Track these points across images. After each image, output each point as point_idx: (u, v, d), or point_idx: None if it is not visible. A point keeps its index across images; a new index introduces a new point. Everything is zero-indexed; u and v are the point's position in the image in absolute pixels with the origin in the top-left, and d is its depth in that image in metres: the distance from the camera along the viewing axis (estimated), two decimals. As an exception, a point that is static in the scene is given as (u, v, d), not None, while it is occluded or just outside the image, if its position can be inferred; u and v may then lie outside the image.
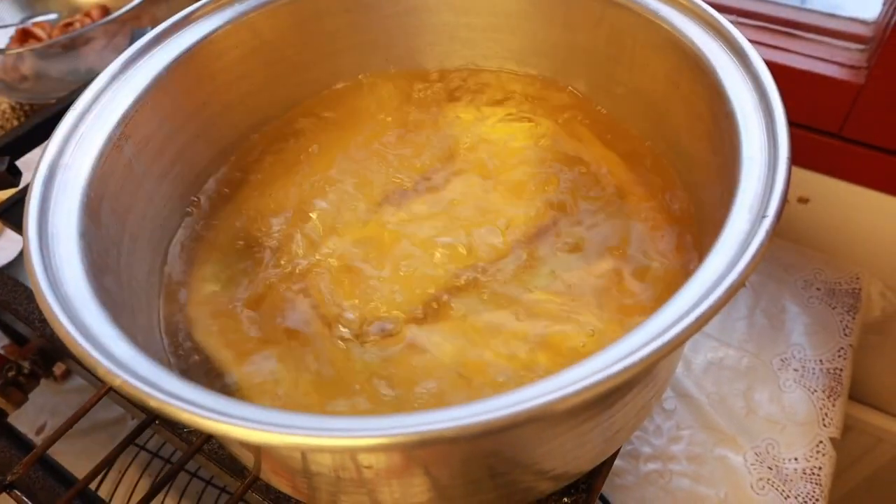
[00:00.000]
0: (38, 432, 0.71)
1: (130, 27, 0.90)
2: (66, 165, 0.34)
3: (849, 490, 0.89)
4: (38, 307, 0.32)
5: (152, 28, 0.42)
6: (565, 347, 0.35)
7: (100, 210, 0.34)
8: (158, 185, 0.41)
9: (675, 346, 0.22)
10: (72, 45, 0.86)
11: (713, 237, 0.28)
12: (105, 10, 0.98)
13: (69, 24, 0.96)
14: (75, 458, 0.60)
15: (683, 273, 0.36)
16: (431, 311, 0.37)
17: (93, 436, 0.70)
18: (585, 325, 0.35)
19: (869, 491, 0.89)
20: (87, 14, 0.99)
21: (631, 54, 0.41)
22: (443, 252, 0.40)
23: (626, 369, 0.22)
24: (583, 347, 0.33)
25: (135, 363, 0.25)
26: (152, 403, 0.22)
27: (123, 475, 0.66)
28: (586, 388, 0.21)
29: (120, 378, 0.23)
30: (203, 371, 0.35)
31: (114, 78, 0.38)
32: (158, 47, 0.41)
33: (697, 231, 0.37)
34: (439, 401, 0.33)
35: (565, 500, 0.39)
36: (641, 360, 0.22)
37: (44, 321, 0.50)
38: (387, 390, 0.33)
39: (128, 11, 0.86)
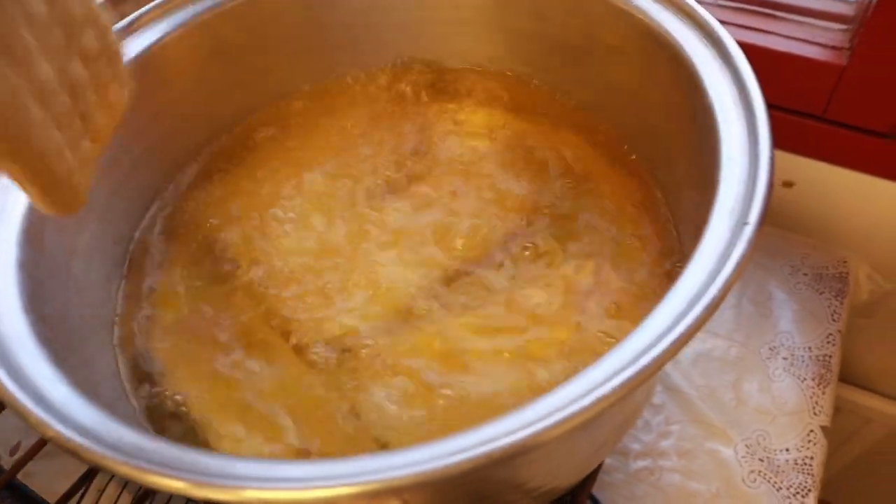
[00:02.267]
0: (12, 453, 0.68)
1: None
2: (5, 187, 0.32)
3: (839, 470, 0.89)
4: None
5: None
6: (540, 356, 0.33)
7: (43, 235, 0.32)
8: (112, 202, 0.39)
9: (652, 371, 0.21)
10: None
11: (694, 240, 0.26)
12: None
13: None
14: (50, 479, 0.58)
15: (664, 275, 0.34)
16: (406, 320, 0.36)
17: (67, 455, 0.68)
18: (561, 331, 0.34)
19: (860, 471, 0.89)
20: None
21: (605, 46, 0.39)
22: (415, 258, 0.38)
23: (598, 400, 0.20)
24: (556, 363, 0.32)
25: (73, 408, 0.23)
26: (86, 456, 0.21)
27: (103, 493, 0.65)
28: (558, 423, 0.20)
29: (53, 429, 0.21)
30: (164, 403, 0.33)
31: (56, 90, 0.36)
32: (104, 55, 0.38)
33: (677, 232, 0.35)
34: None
35: (550, 513, 0.37)
36: (615, 390, 0.20)
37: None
38: (351, 419, 0.31)
39: (89, 11, 0.83)
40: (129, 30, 0.39)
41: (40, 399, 0.23)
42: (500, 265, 0.37)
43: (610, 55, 0.39)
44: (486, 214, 0.40)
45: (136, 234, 0.41)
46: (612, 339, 0.33)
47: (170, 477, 0.20)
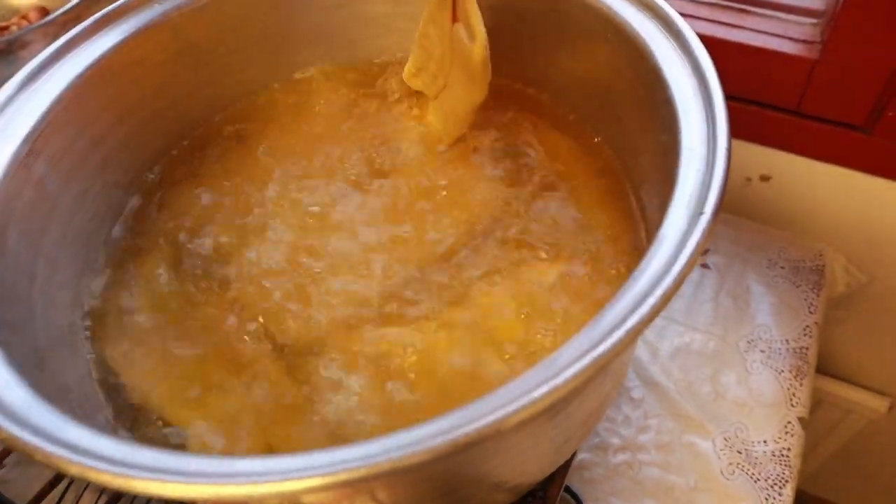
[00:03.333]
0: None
1: (72, 27, 0.86)
2: (-37, 188, 0.32)
3: (822, 462, 0.90)
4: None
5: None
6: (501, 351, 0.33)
7: (5, 237, 0.32)
8: (79, 203, 0.38)
9: (606, 360, 0.21)
10: (8, 50, 0.81)
11: (654, 234, 0.26)
12: (44, 12, 0.93)
13: (5, 28, 0.92)
14: (27, 485, 0.58)
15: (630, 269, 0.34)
16: (383, 315, 0.36)
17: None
18: (540, 324, 0.34)
19: (841, 462, 0.89)
20: (24, 17, 0.94)
21: (574, 41, 0.39)
22: (384, 257, 0.38)
23: (550, 392, 0.20)
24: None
25: (29, 411, 0.23)
26: (38, 457, 0.20)
27: (81, 497, 0.64)
28: (507, 416, 0.20)
29: (6, 432, 0.21)
30: (136, 409, 0.33)
31: (18, 90, 0.36)
32: (68, 55, 0.38)
33: (644, 222, 0.35)
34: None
35: (523, 508, 0.37)
36: (566, 381, 0.20)
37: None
38: (318, 420, 0.31)
39: (66, 12, 0.82)
40: (94, 28, 0.39)
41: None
42: (464, 263, 0.37)
43: (577, 48, 0.39)
44: (455, 210, 0.40)
45: (104, 236, 0.41)
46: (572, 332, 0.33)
47: (126, 476, 0.20)
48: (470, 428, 0.20)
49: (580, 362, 0.21)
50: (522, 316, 0.34)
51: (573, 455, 0.36)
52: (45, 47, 0.91)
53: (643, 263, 0.25)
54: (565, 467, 0.36)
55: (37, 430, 0.22)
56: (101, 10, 0.91)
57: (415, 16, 0.46)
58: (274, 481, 0.20)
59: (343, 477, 0.20)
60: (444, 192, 0.41)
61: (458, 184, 0.42)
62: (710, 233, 0.24)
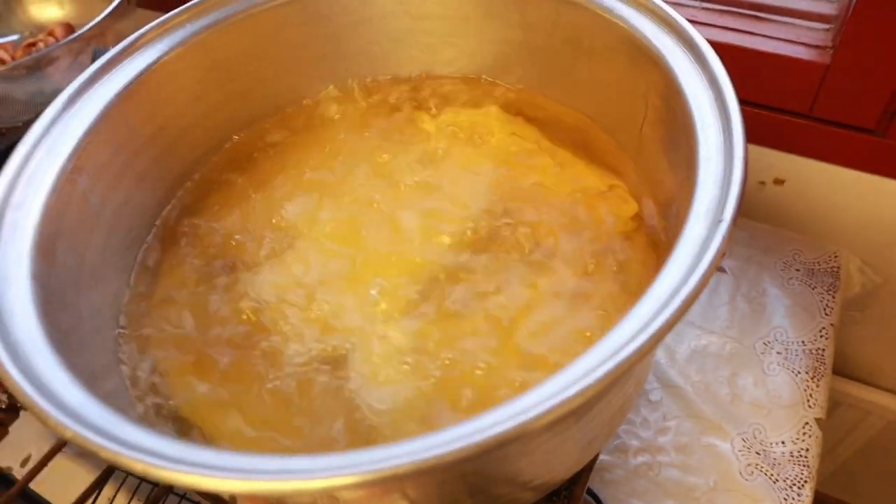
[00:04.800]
0: (24, 464, 0.70)
1: (95, 45, 0.88)
2: (17, 205, 0.33)
3: (840, 464, 0.90)
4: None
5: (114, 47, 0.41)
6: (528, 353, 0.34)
7: (55, 248, 0.33)
8: (118, 216, 0.40)
9: (631, 363, 0.22)
10: (36, 66, 0.84)
11: (674, 242, 0.27)
12: (69, 28, 0.96)
13: (32, 45, 0.94)
14: (63, 486, 0.60)
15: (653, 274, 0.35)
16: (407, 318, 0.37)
17: (80, 461, 0.69)
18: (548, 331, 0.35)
19: (860, 464, 0.89)
20: (51, 33, 0.97)
21: (588, 54, 0.41)
22: (407, 261, 0.39)
23: (582, 391, 0.22)
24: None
25: (88, 411, 0.24)
26: (104, 455, 0.22)
27: (113, 501, 0.66)
28: (539, 416, 0.21)
29: (71, 430, 0.23)
30: (170, 411, 0.35)
31: (62, 110, 0.37)
32: (107, 75, 0.40)
33: (664, 232, 0.36)
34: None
35: (547, 507, 0.38)
36: (598, 381, 0.22)
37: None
38: (350, 423, 0.32)
39: (91, 28, 0.85)
40: (130, 50, 0.41)
41: (58, 403, 0.24)
42: (488, 270, 0.38)
43: (595, 63, 0.41)
44: (477, 221, 0.41)
45: (140, 248, 0.43)
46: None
47: (184, 472, 0.21)
48: (502, 427, 0.22)
49: (606, 365, 0.22)
50: (551, 319, 0.35)
51: (596, 456, 0.37)
52: (71, 63, 0.94)
53: (665, 269, 0.26)
54: (589, 467, 0.37)
55: (99, 430, 0.23)
56: (124, 25, 0.93)
57: (434, 31, 0.48)
58: (322, 478, 0.21)
59: (382, 475, 0.22)
60: (465, 202, 0.43)
61: (479, 194, 0.43)
62: (729, 239, 0.25)
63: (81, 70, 0.91)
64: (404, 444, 0.22)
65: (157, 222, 0.44)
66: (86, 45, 0.88)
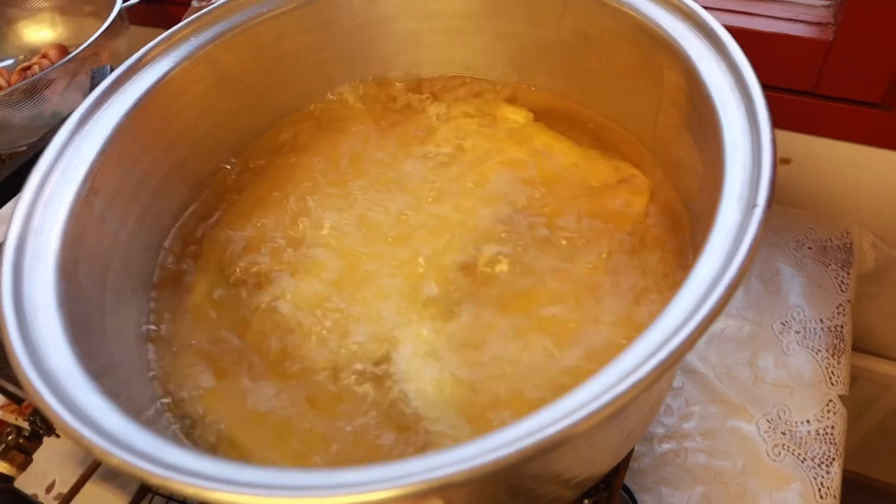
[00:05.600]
0: (48, 490, 0.69)
1: (91, 65, 0.88)
2: (37, 230, 0.33)
3: (860, 439, 0.90)
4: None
5: (112, 65, 0.41)
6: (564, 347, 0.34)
7: (77, 272, 0.33)
8: (135, 235, 0.40)
9: (680, 354, 0.22)
10: (33, 90, 0.83)
11: (705, 229, 0.27)
12: (63, 50, 0.95)
13: (27, 68, 0.94)
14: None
15: (680, 266, 0.35)
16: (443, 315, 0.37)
17: (106, 485, 0.69)
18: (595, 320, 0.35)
19: (880, 438, 0.89)
20: (45, 55, 0.96)
21: (599, 45, 0.40)
22: (434, 260, 0.39)
23: (634, 385, 0.21)
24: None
25: (130, 436, 0.24)
26: (154, 481, 0.22)
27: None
28: (595, 413, 0.21)
29: (117, 457, 0.22)
30: (202, 425, 0.34)
31: (74, 132, 0.37)
32: (116, 94, 0.39)
33: (689, 224, 0.36)
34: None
35: (585, 501, 0.38)
36: (648, 374, 0.21)
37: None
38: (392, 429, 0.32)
39: (86, 49, 0.84)
40: (138, 66, 0.40)
41: (99, 430, 0.24)
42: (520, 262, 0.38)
43: (606, 54, 0.40)
44: (497, 220, 0.41)
45: (158, 266, 0.42)
46: (633, 333, 0.34)
47: (238, 493, 0.21)
48: (558, 426, 0.21)
49: (658, 355, 0.22)
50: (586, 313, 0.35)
51: (633, 448, 0.37)
52: (68, 85, 0.93)
53: (703, 257, 0.25)
54: (627, 459, 0.37)
55: (143, 455, 0.23)
56: (118, 43, 0.92)
57: (439, 30, 0.47)
58: (378, 490, 0.21)
59: (440, 482, 0.21)
60: (480, 201, 0.42)
61: (494, 194, 0.42)
62: (765, 224, 0.25)
63: (79, 91, 0.91)
64: (458, 449, 0.22)
65: (175, 237, 0.43)
66: (81, 65, 0.87)
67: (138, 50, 0.41)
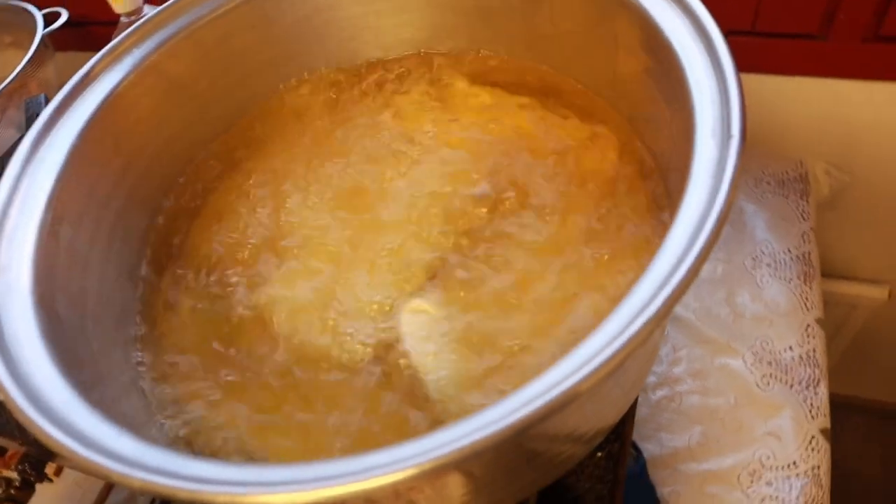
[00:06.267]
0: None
1: (20, 97, 0.84)
2: (4, 267, 0.32)
3: (837, 362, 0.93)
4: (10, 418, 0.30)
5: (46, 95, 0.39)
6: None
7: (55, 304, 0.32)
8: (106, 259, 0.38)
9: (686, 284, 0.22)
10: (-40, 129, 0.80)
11: (683, 172, 0.28)
12: (-15, 84, 0.91)
13: (-49, 108, 0.89)
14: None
15: (656, 211, 0.36)
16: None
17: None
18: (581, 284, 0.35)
19: (853, 357, 0.93)
20: (-32, 92, 0.92)
21: (549, 4, 0.41)
22: (413, 243, 0.39)
23: (645, 324, 0.22)
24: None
25: (145, 456, 0.23)
26: (182, 496, 0.21)
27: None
28: (606, 362, 0.21)
29: (138, 479, 0.22)
30: (207, 436, 0.34)
31: (27, 161, 0.35)
32: (64, 116, 0.38)
33: (660, 173, 0.37)
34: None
35: (598, 454, 0.39)
36: (657, 313, 0.22)
37: (22, 430, 0.47)
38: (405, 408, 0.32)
39: (12, 82, 0.80)
40: (83, 85, 0.39)
41: (115, 456, 0.23)
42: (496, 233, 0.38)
43: (557, 13, 0.40)
44: (473, 190, 0.41)
45: (134, 287, 0.41)
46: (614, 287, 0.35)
47: (268, 493, 0.21)
48: (576, 377, 0.22)
49: (663, 292, 0.22)
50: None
51: (637, 397, 0.38)
52: (-1, 120, 0.88)
53: (687, 194, 0.26)
54: (633, 409, 0.38)
55: (165, 472, 0.22)
56: (46, 71, 0.88)
57: (385, 12, 0.47)
58: (403, 469, 0.21)
59: (456, 456, 0.21)
60: (453, 178, 0.42)
61: (465, 168, 0.42)
62: (742, 153, 0.26)
63: (12, 127, 0.87)
64: (476, 417, 0.22)
65: (147, 252, 0.42)
66: (9, 100, 0.84)
67: (69, 78, 0.39)
